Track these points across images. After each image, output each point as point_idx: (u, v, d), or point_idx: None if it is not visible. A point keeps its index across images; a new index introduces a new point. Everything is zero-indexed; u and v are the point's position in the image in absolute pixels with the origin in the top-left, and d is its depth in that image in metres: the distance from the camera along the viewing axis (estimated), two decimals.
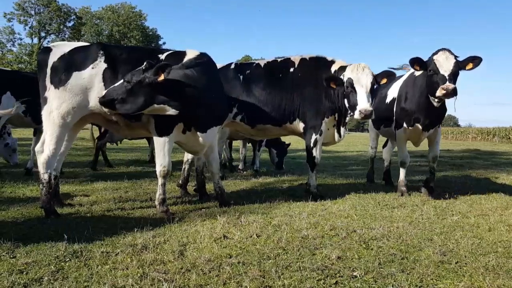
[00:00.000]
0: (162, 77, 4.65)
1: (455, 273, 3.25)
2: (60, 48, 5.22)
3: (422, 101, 6.22)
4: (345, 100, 5.94)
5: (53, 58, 5.10)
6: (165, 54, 5.45)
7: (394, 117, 6.88)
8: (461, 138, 57.79)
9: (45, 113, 5.06)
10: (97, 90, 5.05)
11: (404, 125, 6.61)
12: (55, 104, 5.00)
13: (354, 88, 5.69)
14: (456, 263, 3.45)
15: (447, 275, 3.19)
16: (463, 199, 6.41)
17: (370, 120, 8.32)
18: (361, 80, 5.68)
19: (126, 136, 5.85)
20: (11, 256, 3.45)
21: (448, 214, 5.37)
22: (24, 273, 3.10)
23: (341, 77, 5.88)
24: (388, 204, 5.94)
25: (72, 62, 5.07)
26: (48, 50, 5.24)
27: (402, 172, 6.95)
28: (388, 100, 7.18)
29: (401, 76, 7.18)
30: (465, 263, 3.45)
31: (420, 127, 6.45)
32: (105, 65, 5.08)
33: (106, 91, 4.72)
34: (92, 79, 5.04)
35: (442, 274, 3.21)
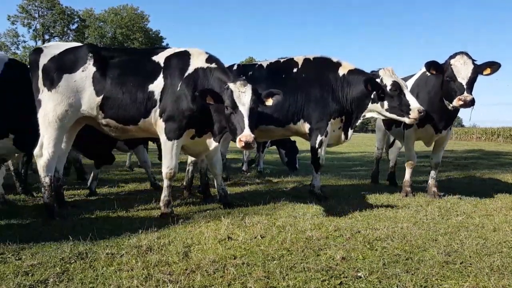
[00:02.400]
0: (270, 102, 4.93)
1: (460, 273, 3.24)
2: (51, 49, 5.22)
3: (435, 102, 6.18)
4: (387, 103, 5.91)
5: (43, 59, 5.10)
6: (164, 53, 5.38)
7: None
8: (465, 138, 57.52)
9: (40, 115, 5.06)
10: (89, 93, 5.06)
11: (414, 125, 6.54)
12: (50, 107, 5.01)
13: (402, 91, 5.79)
14: (461, 263, 3.45)
15: (452, 276, 3.19)
16: (468, 200, 6.39)
17: (378, 121, 8.24)
18: (402, 84, 5.87)
19: (120, 137, 5.86)
20: (17, 258, 3.48)
21: (452, 214, 5.35)
22: (30, 274, 3.13)
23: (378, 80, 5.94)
24: (392, 204, 5.92)
25: (63, 64, 5.07)
26: (39, 51, 5.23)
27: (408, 172, 6.91)
28: None
29: (412, 75, 7.12)
30: (470, 264, 3.44)
31: (432, 128, 6.41)
32: (94, 68, 5.08)
33: (246, 132, 4.41)
34: (83, 82, 5.05)
35: (447, 275, 3.20)
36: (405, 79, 7.28)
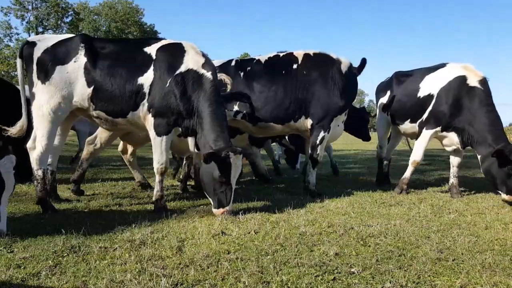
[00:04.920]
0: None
1: (452, 270, 3.26)
2: (45, 41, 5.17)
3: (474, 119, 6.06)
4: None
5: (37, 52, 5.06)
6: (157, 45, 5.30)
7: (426, 116, 6.58)
8: None
9: (34, 108, 5.02)
10: (80, 84, 5.01)
11: (438, 128, 6.41)
12: (44, 99, 4.97)
13: None
14: (453, 260, 3.47)
15: (444, 272, 3.20)
16: (460, 198, 6.43)
17: (379, 118, 7.96)
18: None
19: (113, 130, 5.88)
20: (9, 250, 3.46)
21: (445, 212, 5.39)
22: (22, 267, 3.10)
23: None
24: (386, 202, 5.96)
25: (56, 56, 5.03)
26: (33, 44, 5.17)
27: (410, 170, 6.79)
28: (421, 94, 6.80)
29: (434, 69, 6.89)
30: (462, 261, 3.47)
31: (456, 137, 6.32)
32: (85, 59, 5.02)
33: (229, 208, 4.81)
34: (75, 73, 5.01)
35: (439, 271, 3.22)
36: (427, 71, 7.01)
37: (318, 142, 6.34)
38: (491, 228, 4.56)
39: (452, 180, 6.75)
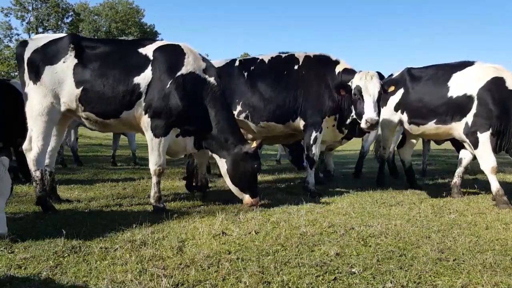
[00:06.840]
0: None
1: (453, 270, 3.26)
2: (36, 42, 5.16)
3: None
4: (352, 107, 6.06)
5: (28, 52, 5.05)
6: (152, 46, 5.25)
7: (473, 120, 6.07)
8: None
9: (28, 109, 5.01)
10: (69, 85, 4.96)
11: (490, 130, 5.96)
12: (36, 99, 4.95)
13: (362, 96, 5.74)
14: (454, 260, 3.47)
15: (445, 272, 3.20)
16: (460, 198, 6.42)
17: (385, 117, 7.30)
18: (369, 89, 5.73)
19: (102, 131, 5.93)
20: (10, 251, 3.46)
21: (445, 212, 5.38)
22: (23, 268, 3.11)
23: (349, 83, 5.94)
24: (386, 202, 5.95)
25: (45, 56, 5.01)
26: (24, 44, 5.18)
27: (493, 179, 6.02)
28: (453, 94, 6.28)
29: (460, 67, 6.45)
30: (463, 261, 3.46)
31: (495, 142, 6.06)
32: (75, 59, 4.98)
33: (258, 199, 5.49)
34: (64, 73, 4.97)
35: (440, 271, 3.22)
36: (451, 69, 6.56)
37: (311, 142, 6.38)
38: (491, 228, 4.55)
39: (456, 179, 6.68)
